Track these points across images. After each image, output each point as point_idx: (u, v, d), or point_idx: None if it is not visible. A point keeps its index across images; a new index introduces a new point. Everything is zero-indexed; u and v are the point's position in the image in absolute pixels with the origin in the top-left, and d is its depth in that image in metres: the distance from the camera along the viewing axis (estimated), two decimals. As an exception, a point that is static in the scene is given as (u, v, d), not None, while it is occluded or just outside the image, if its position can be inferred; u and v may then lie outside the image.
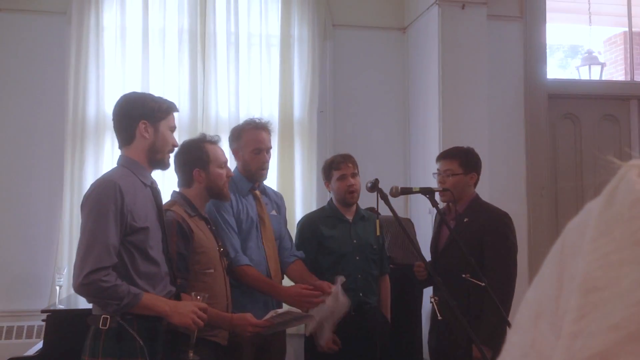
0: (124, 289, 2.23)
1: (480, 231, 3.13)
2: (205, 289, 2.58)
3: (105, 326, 2.25)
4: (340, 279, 3.02)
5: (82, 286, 2.20)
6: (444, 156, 3.32)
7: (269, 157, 3.26)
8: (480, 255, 3.06)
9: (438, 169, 3.30)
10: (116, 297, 2.21)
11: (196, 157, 2.88)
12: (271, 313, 2.77)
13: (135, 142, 2.45)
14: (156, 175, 2.83)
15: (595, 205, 0.40)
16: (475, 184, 3.30)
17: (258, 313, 2.81)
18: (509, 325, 2.68)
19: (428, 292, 3.46)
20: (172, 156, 2.60)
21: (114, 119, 2.51)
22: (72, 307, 3.40)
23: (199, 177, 2.85)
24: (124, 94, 2.58)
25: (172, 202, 2.81)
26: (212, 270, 2.77)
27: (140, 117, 2.44)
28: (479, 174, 3.31)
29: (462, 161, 3.24)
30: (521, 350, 0.41)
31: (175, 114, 4.20)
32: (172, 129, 2.54)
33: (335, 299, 2.95)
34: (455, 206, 3.13)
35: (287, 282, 3.34)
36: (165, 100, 2.56)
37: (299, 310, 2.94)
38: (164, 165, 2.56)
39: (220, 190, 2.89)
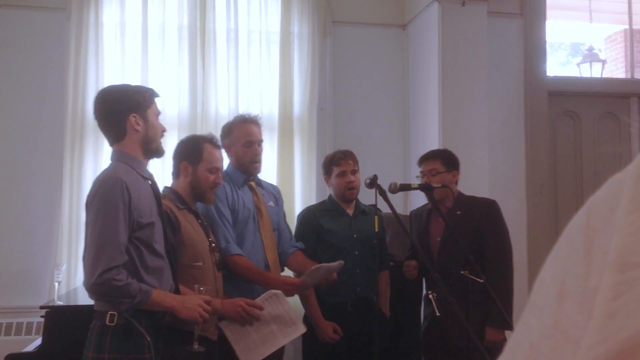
0: (136, 287, 2.23)
1: (476, 221, 3.26)
2: (193, 281, 2.59)
3: (113, 322, 2.25)
4: (339, 262, 3.04)
5: (95, 286, 2.20)
6: (426, 157, 3.44)
7: (261, 150, 3.27)
8: (479, 245, 3.20)
9: (422, 171, 3.40)
10: (129, 295, 2.21)
11: (189, 150, 2.88)
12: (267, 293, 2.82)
13: (127, 137, 2.42)
14: (155, 168, 2.82)
15: (625, 177, 0.38)
16: (457, 182, 3.42)
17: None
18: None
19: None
20: (167, 141, 2.57)
21: (99, 117, 2.44)
22: (71, 303, 3.41)
23: (185, 170, 2.85)
24: (100, 90, 2.52)
25: (162, 196, 2.81)
26: (200, 263, 2.77)
27: (128, 111, 2.40)
28: (459, 172, 3.43)
29: (443, 160, 3.38)
30: (541, 332, 0.39)
31: (174, 110, 4.25)
32: (158, 114, 2.52)
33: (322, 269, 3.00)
34: (444, 202, 3.23)
35: (287, 273, 3.37)
36: (146, 87, 2.54)
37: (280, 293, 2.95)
38: (159, 153, 2.53)
39: (203, 193, 2.87)
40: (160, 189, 2.68)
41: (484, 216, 3.28)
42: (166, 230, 2.49)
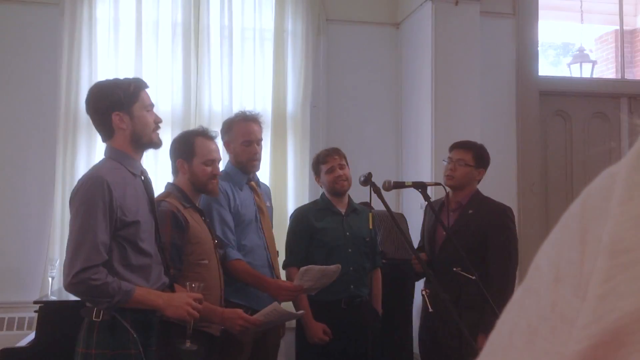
0: (115, 286, 2.20)
1: (485, 224, 3.18)
2: (199, 279, 2.58)
3: (99, 318, 2.24)
4: (337, 266, 3.05)
5: (72, 285, 2.19)
6: (459, 145, 3.33)
7: (260, 149, 3.27)
8: (484, 246, 3.13)
9: (450, 157, 3.29)
10: (107, 294, 2.19)
11: (182, 148, 2.88)
12: (266, 309, 2.81)
13: (116, 135, 2.38)
14: (149, 164, 2.80)
15: (620, 170, 0.40)
16: (479, 181, 3.34)
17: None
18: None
19: (419, 286, 3.48)
20: (160, 133, 2.49)
21: (89, 115, 2.43)
22: (64, 298, 3.39)
23: (182, 168, 2.85)
24: (91, 87, 2.49)
25: (166, 193, 2.81)
26: (206, 262, 2.78)
27: (110, 109, 2.34)
28: (485, 171, 3.34)
29: (475, 154, 3.28)
30: (539, 314, 0.41)
31: (168, 106, 4.24)
32: (149, 107, 2.43)
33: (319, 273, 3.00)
34: (457, 196, 3.17)
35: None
36: (131, 80, 2.45)
37: (286, 310, 2.96)
38: (154, 145, 2.47)
39: (204, 186, 2.85)
40: (155, 185, 2.66)
41: (494, 220, 3.19)
42: (159, 230, 2.49)
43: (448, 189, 3.16)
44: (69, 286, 2.21)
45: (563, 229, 0.43)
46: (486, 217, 3.20)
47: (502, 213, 3.24)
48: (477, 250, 3.07)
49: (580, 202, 0.43)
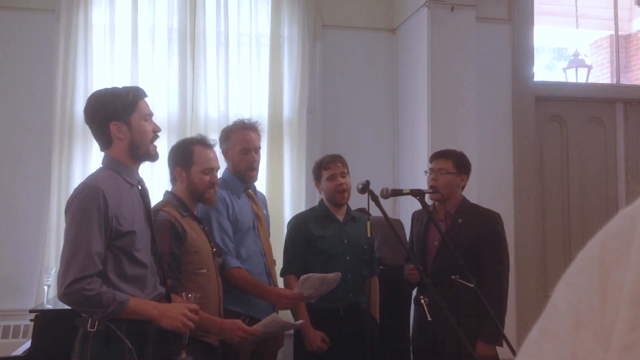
0: (109, 297, 2.19)
1: (477, 232, 3.20)
2: (198, 289, 2.57)
3: (93, 328, 2.22)
4: (337, 274, 3.05)
5: (66, 295, 2.18)
6: (439, 155, 3.35)
7: (258, 158, 3.26)
8: (477, 255, 3.15)
9: (431, 168, 3.32)
10: (100, 305, 2.18)
11: (180, 156, 2.87)
12: (265, 320, 2.80)
13: (114, 144, 2.37)
14: (146, 173, 2.78)
15: (638, 214, 0.39)
16: (463, 188, 3.35)
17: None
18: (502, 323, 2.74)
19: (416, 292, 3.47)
20: (157, 144, 2.47)
21: (87, 124, 2.41)
22: (60, 307, 3.38)
23: (180, 176, 2.84)
24: (89, 96, 2.47)
25: (164, 203, 2.80)
26: (204, 271, 2.77)
27: (107, 119, 2.33)
28: (468, 177, 3.36)
29: (455, 162, 3.29)
30: None
31: (164, 112, 4.23)
32: (147, 116, 2.41)
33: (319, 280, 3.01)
34: (445, 206, 3.17)
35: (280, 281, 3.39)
36: (129, 89, 2.42)
37: (285, 320, 2.95)
38: (151, 157, 2.46)
39: (201, 195, 2.84)
40: (151, 194, 2.64)
41: (484, 228, 3.22)
42: (155, 240, 2.47)
43: (430, 202, 3.17)
44: (63, 296, 2.19)
45: (581, 271, 0.42)
46: (477, 225, 3.22)
47: (492, 220, 3.26)
48: (470, 259, 3.08)
49: (598, 244, 0.42)
